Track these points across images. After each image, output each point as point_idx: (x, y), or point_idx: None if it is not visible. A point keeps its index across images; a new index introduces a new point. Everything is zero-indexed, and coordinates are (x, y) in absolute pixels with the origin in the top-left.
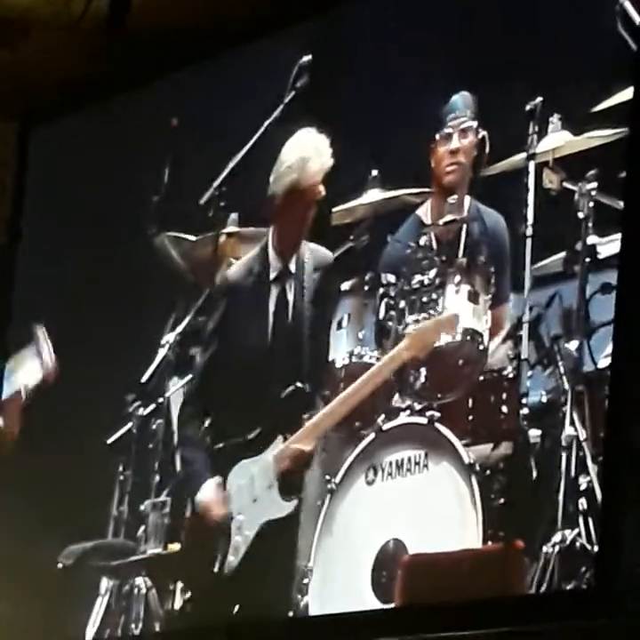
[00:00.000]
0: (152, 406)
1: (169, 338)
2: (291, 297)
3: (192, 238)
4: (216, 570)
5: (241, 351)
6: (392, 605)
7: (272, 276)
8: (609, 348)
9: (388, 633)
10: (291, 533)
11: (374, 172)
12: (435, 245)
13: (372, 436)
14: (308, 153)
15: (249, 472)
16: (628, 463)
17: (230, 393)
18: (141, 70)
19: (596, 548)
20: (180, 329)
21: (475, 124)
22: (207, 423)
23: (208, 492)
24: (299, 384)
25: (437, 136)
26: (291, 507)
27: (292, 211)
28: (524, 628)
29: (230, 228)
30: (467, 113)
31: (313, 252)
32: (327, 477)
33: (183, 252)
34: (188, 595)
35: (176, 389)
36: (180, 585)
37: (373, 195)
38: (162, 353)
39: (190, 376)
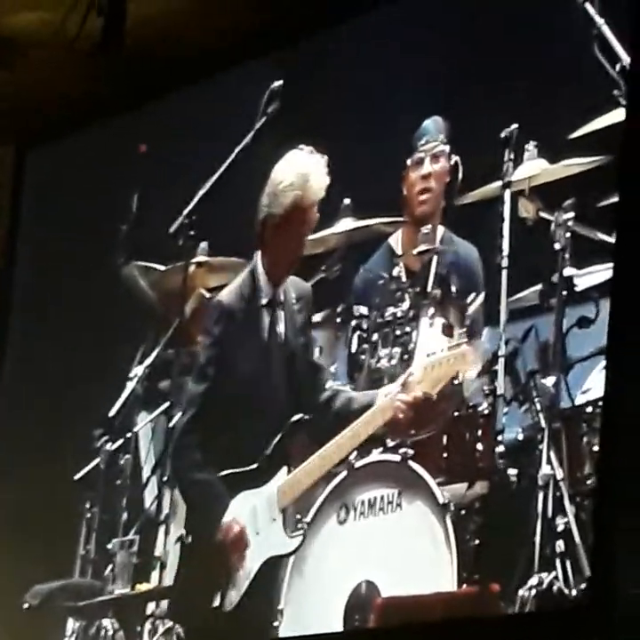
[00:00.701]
0: (120, 441)
1: (137, 371)
2: (282, 325)
3: (161, 268)
4: (216, 604)
5: (239, 379)
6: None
7: (263, 301)
8: (586, 384)
9: None
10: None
11: (346, 201)
12: (406, 277)
13: (344, 473)
14: (307, 169)
15: (251, 503)
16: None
17: (230, 421)
18: (129, 94)
19: (573, 592)
20: (148, 362)
21: (447, 148)
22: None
23: (234, 513)
24: (302, 414)
25: (409, 161)
26: (296, 543)
27: (290, 232)
28: None
29: (200, 258)
30: (439, 137)
31: (292, 283)
32: (298, 516)
33: (152, 282)
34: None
35: (144, 424)
36: (167, 623)
37: (346, 224)
38: (130, 386)
39: (191, 407)
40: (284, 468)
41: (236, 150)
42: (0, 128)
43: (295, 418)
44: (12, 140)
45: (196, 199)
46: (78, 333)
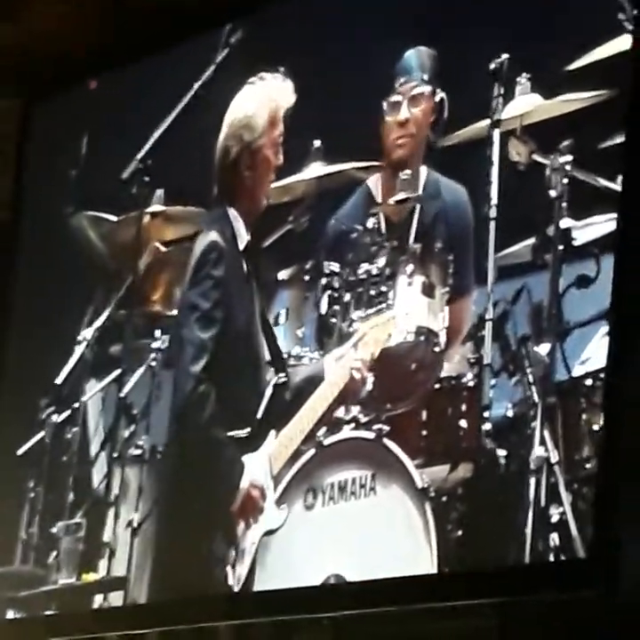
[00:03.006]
0: (67, 412)
1: (86, 334)
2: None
3: (113, 218)
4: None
5: (237, 328)
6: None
7: (241, 247)
8: (585, 353)
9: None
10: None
11: (316, 143)
12: (384, 228)
13: (312, 452)
14: (268, 89)
15: (249, 471)
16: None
17: (236, 374)
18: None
19: None
20: (98, 323)
21: (428, 89)
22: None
23: (255, 473)
24: (282, 375)
25: (385, 104)
26: (282, 517)
27: (266, 158)
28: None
29: (155, 207)
30: (419, 76)
31: None
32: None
33: (103, 234)
34: None
35: (93, 394)
36: None
37: (315, 169)
38: (78, 351)
39: (202, 354)
40: (273, 432)
41: (196, 86)
42: (5, 81)
43: (277, 378)
44: (17, 93)
45: (150, 141)
46: (23, 291)
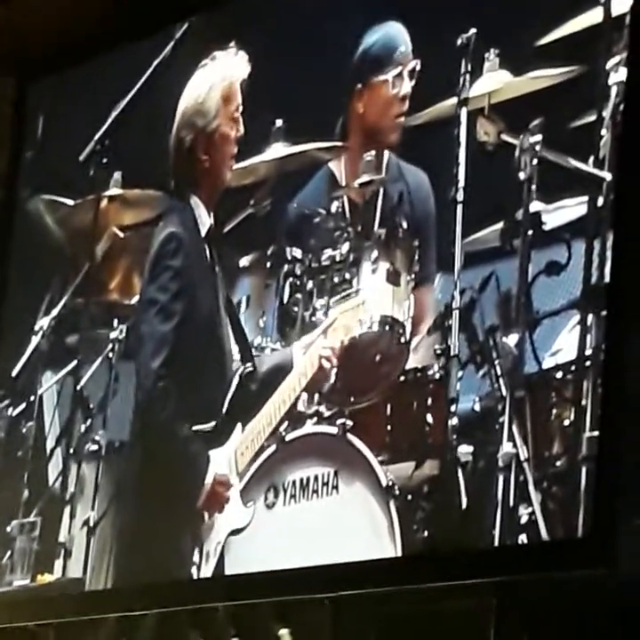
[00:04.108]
0: (22, 405)
1: (43, 323)
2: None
3: (70, 202)
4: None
5: (199, 319)
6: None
7: (203, 232)
8: (556, 345)
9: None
10: None
11: (278, 123)
12: (348, 213)
13: (273, 447)
14: (220, 67)
15: (215, 465)
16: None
17: (198, 367)
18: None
19: None
20: (55, 312)
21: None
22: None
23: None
24: (248, 365)
25: (382, 77)
26: (249, 515)
27: (225, 134)
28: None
29: (113, 191)
30: (409, 50)
31: None
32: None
33: (60, 219)
34: None
35: (49, 386)
36: None
37: (277, 150)
38: (34, 341)
39: (162, 348)
40: (239, 426)
41: (155, 63)
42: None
43: (243, 368)
44: (12, 73)
45: (108, 121)
46: None
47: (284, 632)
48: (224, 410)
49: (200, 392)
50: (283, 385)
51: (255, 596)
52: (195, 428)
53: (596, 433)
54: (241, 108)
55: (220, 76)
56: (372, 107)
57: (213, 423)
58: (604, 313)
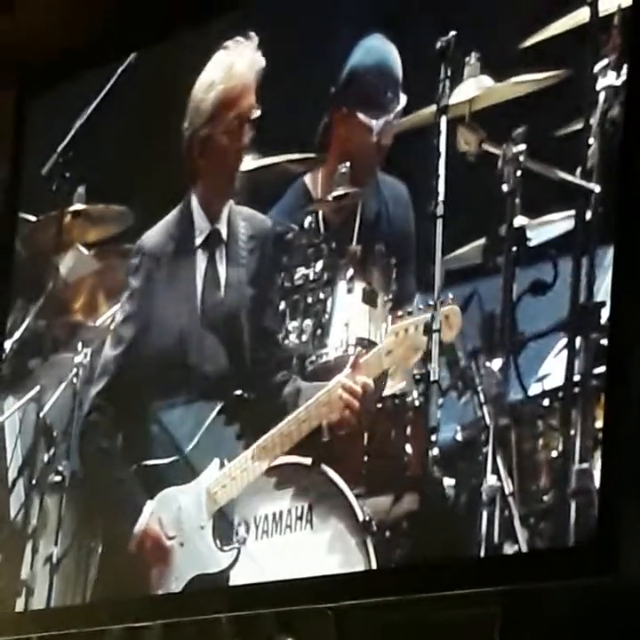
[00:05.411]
0: None
1: (5, 346)
2: (222, 271)
3: (32, 218)
4: None
5: (163, 344)
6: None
7: (197, 241)
8: (542, 369)
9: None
10: None
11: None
12: (322, 228)
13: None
14: (229, 59)
15: (177, 504)
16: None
17: (151, 397)
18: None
19: None
20: (17, 335)
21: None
22: (121, 437)
23: (147, 519)
24: (238, 391)
25: (367, 121)
26: (229, 558)
27: (220, 145)
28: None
29: (77, 206)
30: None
31: (244, 216)
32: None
33: (22, 237)
34: None
35: (11, 413)
36: None
37: (247, 162)
38: None
39: (102, 376)
40: (216, 462)
41: (118, 71)
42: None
43: (232, 396)
44: (12, 86)
45: (72, 131)
46: None
47: None
48: (192, 443)
49: (156, 424)
50: (285, 422)
51: (258, 606)
52: (145, 462)
53: (585, 465)
54: (240, 120)
55: (224, 72)
56: (353, 134)
57: (174, 458)
58: (594, 335)
